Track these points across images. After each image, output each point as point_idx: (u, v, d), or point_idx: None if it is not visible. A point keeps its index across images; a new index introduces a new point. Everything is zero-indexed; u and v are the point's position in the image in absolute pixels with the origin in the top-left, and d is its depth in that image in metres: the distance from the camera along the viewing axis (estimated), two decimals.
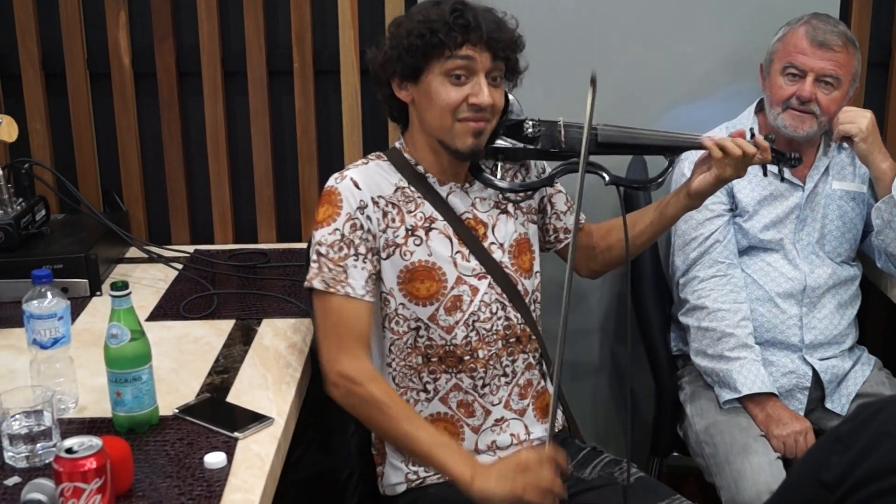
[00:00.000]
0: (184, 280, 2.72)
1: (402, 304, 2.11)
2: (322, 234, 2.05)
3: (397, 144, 2.19)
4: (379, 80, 2.14)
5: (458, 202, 2.15)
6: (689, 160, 2.45)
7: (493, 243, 2.16)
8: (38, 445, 1.80)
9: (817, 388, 2.59)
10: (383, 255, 2.08)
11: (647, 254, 2.69)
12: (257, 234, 3.07)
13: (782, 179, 2.57)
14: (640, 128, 2.25)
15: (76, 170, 3.02)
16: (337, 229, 2.04)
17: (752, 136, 2.17)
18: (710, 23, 2.86)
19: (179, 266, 2.78)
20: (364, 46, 2.92)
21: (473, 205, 2.17)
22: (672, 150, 2.23)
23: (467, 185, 2.17)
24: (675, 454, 2.77)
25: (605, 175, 2.20)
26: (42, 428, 1.80)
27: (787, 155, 2.31)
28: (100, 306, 2.51)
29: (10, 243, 2.58)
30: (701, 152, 2.20)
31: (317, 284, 2.05)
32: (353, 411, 2.06)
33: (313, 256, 2.07)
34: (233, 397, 2.07)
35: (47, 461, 1.78)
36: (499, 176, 2.19)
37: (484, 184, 2.17)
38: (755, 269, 2.60)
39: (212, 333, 2.38)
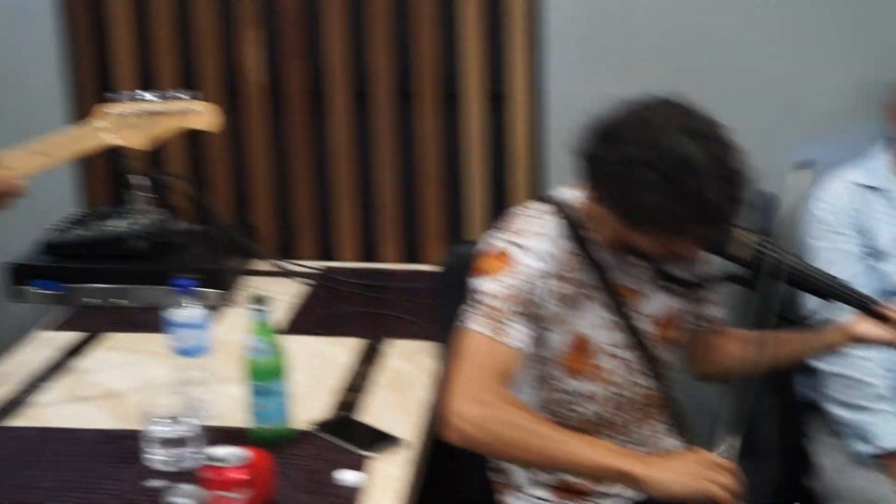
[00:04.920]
0: (311, 296, 2.78)
1: (557, 375, 2.07)
2: (489, 285, 1.95)
3: (567, 197, 2.06)
4: (608, 177, 1.91)
5: (616, 271, 2.06)
6: None
7: (643, 314, 2.10)
8: (180, 451, 1.87)
9: None
10: (543, 324, 2.01)
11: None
12: (382, 253, 3.12)
13: None
14: (821, 271, 2.15)
15: (210, 183, 3.11)
16: (507, 283, 1.94)
17: None
18: (831, 57, 2.83)
19: (308, 281, 2.84)
20: (490, 71, 2.97)
21: (631, 274, 2.07)
22: (848, 303, 2.12)
23: (628, 255, 2.06)
24: None
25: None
26: (184, 434, 1.87)
27: None
28: (230, 317, 2.58)
29: (150, 252, 2.68)
30: None
31: (478, 328, 1.91)
32: (485, 441, 1.86)
33: (476, 303, 1.95)
34: (364, 416, 2.12)
35: (189, 466, 1.85)
36: None
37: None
38: None
39: (341, 350, 2.44)
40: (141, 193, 2.79)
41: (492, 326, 1.91)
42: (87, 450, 1.98)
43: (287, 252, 3.13)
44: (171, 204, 2.94)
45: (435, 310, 2.49)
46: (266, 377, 1.93)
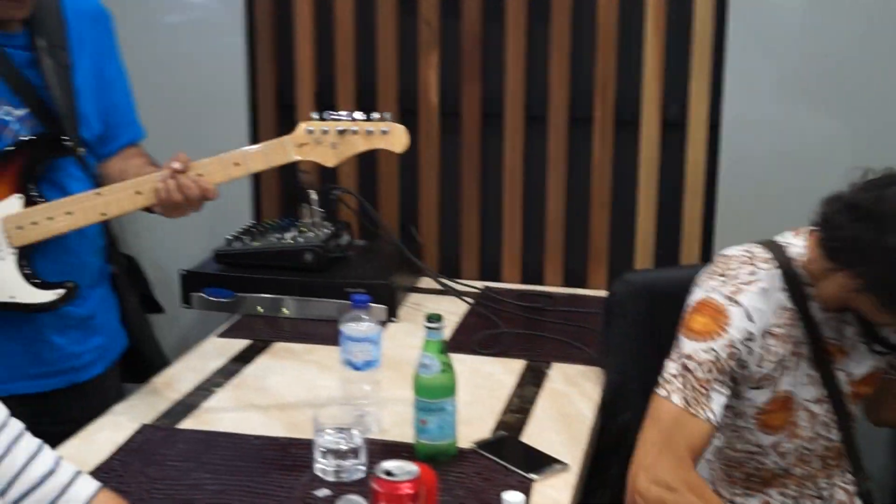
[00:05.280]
0: (474, 315, 2.79)
1: (747, 428, 2.03)
2: (695, 349, 1.90)
3: (791, 250, 1.98)
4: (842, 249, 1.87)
5: (826, 327, 2.00)
6: None
7: (843, 371, 2.04)
8: (347, 462, 1.88)
9: None
10: (751, 384, 1.97)
11: None
12: (544, 276, 3.11)
13: None
14: None
15: (378, 199, 3.15)
16: (713, 349, 1.89)
17: None
18: None
19: (471, 301, 2.85)
20: (668, 100, 2.94)
21: (840, 331, 2.01)
22: None
23: (845, 316, 2.02)
24: None
25: None
26: (351, 446, 1.89)
27: None
28: (395, 332, 2.60)
29: (318, 265, 2.73)
30: None
31: (676, 401, 1.88)
32: None
33: (677, 367, 1.91)
34: (526, 438, 2.10)
35: (354, 478, 1.88)
36: None
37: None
38: None
39: (503, 371, 2.43)
40: (312, 207, 2.84)
41: (689, 397, 1.87)
42: (254, 455, 2.02)
43: (451, 270, 3.14)
44: (341, 218, 2.99)
45: (600, 336, 2.47)
46: (434, 394, 1.93)
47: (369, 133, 2.05)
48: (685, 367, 1.89)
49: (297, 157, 2.07)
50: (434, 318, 1.92)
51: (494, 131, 3.07)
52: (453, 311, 2.80)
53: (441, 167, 3.13)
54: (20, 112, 2.10)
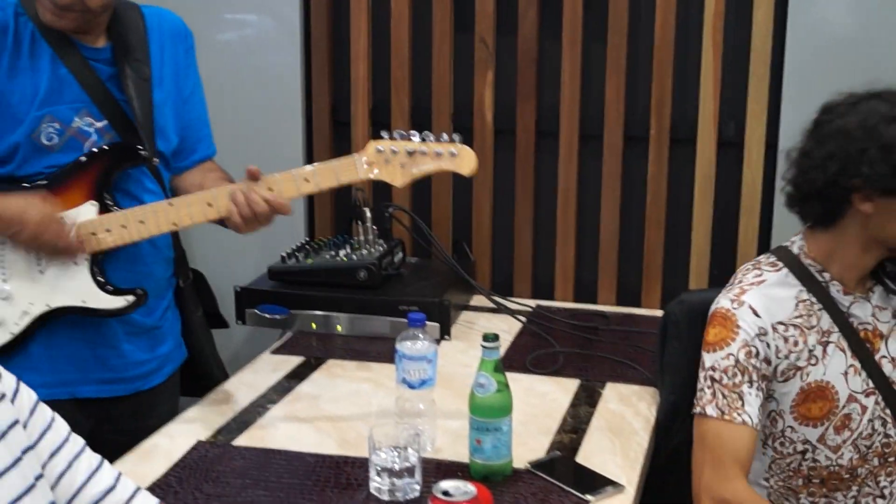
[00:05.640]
0: (527, 333, 2.78)
1: (790, 426, 2.03)
2: (715, 359, 1.98)
3: (794, 248, 2.06)
4: (832, 179, 1.93)
5: (858, 312, 2.03)
6: None
7: (884, 357, 2.04)
8: (402, 481, 1.88)
9: None
10: (780, 378, 1.99)
11: None
12: (597, 294, 3.10)
13: None
14: None
15: (431, 217, 3.15)
16: (731, 354, 1.96)
17: None
18: None
19: (524, 319, 2.84)
20: (724, 118, 2.92)
21: (874, 314, 2.04)
22: None
23: (870, 292, 2.06)
24: None
25: None
26: (406, 464, 1.88)
27: None
28: (448, 350, 2.59)
29: (372, 282, 2.73)
30: None
31: (711, 412, 1.95)
32: None
33: (706, 382, 1.98)
34: (581, 458, 2.09)
35: (409, 497, 1.87)
36: None
37: (889, 292, 2.06)
38: None
39: (557, 390, 2.42)
40: (365, 224, 2.85)
41: (722, 405, 1.94)
42: (309, 473, 2.02)
43: (504, 288, 3.14)
44: (395, 236, 3.00)
45: (655, 356, 2.45)
46: (490, 414, 1.92)
47: (438, 154, 2.08)
48: (711, 379, 1.97)
49: (367, 176, 2.09)
50: (490, 337, 1.92)
51: (549, 149, 3.07)
52: (506, 329, 2.79)
53: (495, 185, 3.13)
54: (100, 123, 2.15)
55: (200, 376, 2.45)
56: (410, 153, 2.08)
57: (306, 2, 3.14)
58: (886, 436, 2.05)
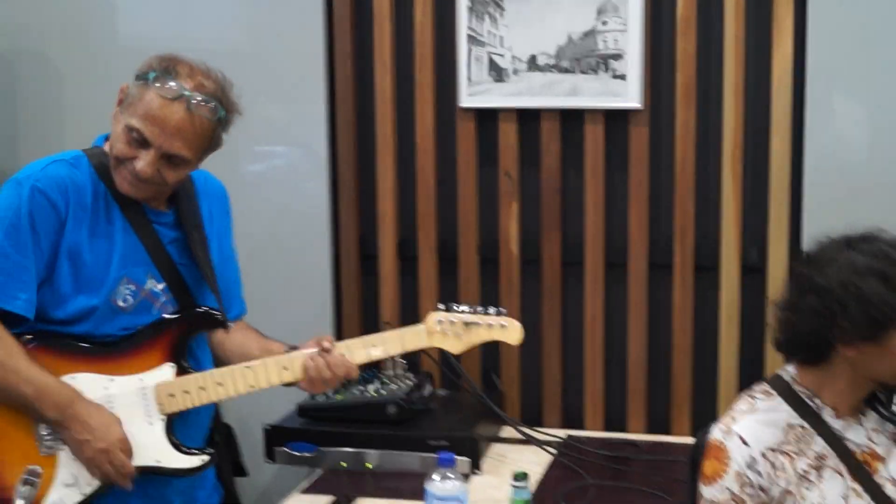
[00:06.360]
0: (558, 466, 2.77)
1: None
2: (712, 493, 1.99)
3: (786, 376, 2.07)
4: (815, 330, 1.96)
5: (853, 436, 2.03)
6: None
7: (887, 478, 2.03)
8: None
9: None
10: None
11: None
12: (627, 422, 3.09)
13: None
14: None
15: None
16: (726, 488, 1.97)
17: None
18: None
19: (554, 451, 2.83)
20: (747, 244, 2.94)
21: (869, 437, 2.04)
22: None
23: (861, 416, 2.07)
24: None
25: None
26: None
27: None
28: (479, 485, 2.59)
29: (401, 417, 2.74)
30: None
31: None
32: None
33: None
34: None
35: None
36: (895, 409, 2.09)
37: (884, 418, 2.07)
38: None
39: None
40: (394, 358, 2.87)
41: None
42: None
43: (533, 418, 3.13)
44: (423, 368, 3.01)
45: (687, 485, 2.42)
46: None
47: (490, 326, 2.29)
48: None
49: (430, 344, 2.31)
50: (520, 476, 1.94)
51: (575, 278, 3.10)
52: (536, 461, 2.78)
53: (522, 314, 3.13)
54: (160, 286, 2.21)
55: None
56: (467, 325, 2.29)
57: (333, 135, 3.21)
58: None
